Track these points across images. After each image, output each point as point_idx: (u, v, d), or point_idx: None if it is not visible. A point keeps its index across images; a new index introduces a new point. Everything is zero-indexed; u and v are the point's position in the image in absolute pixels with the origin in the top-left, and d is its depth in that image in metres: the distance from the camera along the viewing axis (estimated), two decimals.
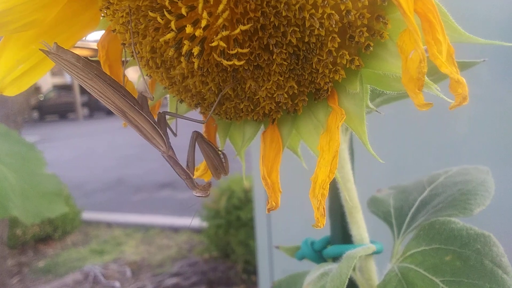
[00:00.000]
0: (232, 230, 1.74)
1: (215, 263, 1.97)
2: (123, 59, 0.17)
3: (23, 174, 0.41)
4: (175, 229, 2.49)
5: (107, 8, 0.14)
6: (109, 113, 11.90)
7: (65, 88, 12.50)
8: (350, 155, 0.24)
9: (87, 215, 2.67)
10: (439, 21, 0.12)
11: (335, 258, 0.24)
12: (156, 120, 0.15)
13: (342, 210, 0.23)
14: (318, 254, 0.26)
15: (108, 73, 0.17)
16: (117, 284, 1.93)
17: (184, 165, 0.15)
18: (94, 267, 2.05)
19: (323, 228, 0.29)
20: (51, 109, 12.28)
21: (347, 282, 0.18)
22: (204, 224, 1.88)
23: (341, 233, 0.24)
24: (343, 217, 0.23)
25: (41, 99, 12.04)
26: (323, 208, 0.14)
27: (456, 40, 0.13)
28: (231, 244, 1.77)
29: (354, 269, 0.23)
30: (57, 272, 2.07)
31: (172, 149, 0.15)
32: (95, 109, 11.67)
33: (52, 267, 2.12)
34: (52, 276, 2.04)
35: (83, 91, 11.18)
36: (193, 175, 0.16)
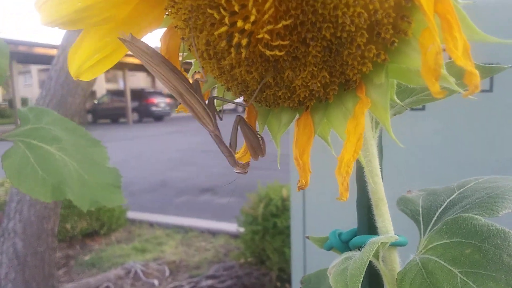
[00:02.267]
0: (268, 237, 1.75)
1: (250, 269, 1.99)
2: (181, 53, 0.20)
3: (84, 164, 0.45)
4: (213, 233, 2.54)
5: (172, 6, 0.17)
6: (157, 119, 12.43)
7: (118, 94, 13.13)
8: (379, 152, 0.26)
9: (131, 214, 2.79)
10: (456, 20, 0.13)
11: (360, 249, 0.26)
12: (206, 103, 0.17)
13: (369, 203, 0.25)
14: (345, 245, 0.27)
15: None
16: (156, 282, 1.99)
17: (227, 144, 0.18)
18: (135, 264, 2.13)
19: (350, 220, 0.30)
20: (104, 113, 12.96)
21: (368, 263, 0.20)
22: (241, 230, 1.91)
23: (367, 225, 0.26)
24: (370, 209, 0.25)
25: (95, 103, 12.73)
26: (347, 183, 0.16)
27: (472, 39, 0.15)
28: (267, 250, 1.78)
29: (377, 259, 0.24)
30: (101, 267, 2.17)
31: (218, 129, 0.17)
32: (144, 114, 12.19)
33: (96, 261, 2.22)
34: (96, 270, 2.14)
35: (134, 97, 11.72)
36: (235, 153, 0.18)
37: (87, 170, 0.47)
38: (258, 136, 0.19)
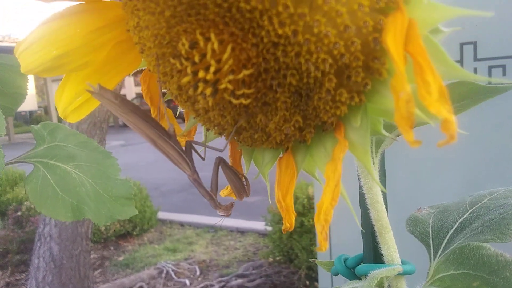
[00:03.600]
0: (296, 236, 1.74)
1: (279, 267, 1.99)
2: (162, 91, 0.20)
3: (98, 179, 0.45)
4: (242, 232, 2.55)
5: (142, 52, 0.16)
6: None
7: None
8: (382, 176, 0.25)
9: (162, 215, 2.85)
10: (428, 63, 0.12)
11: (367, 276, 0.25)
12: (184, 147, 0.17)
13: (373, 231, 0.24)
14: (351, 271, 0.26)
15: (150, 104, 0.20)
16: (187, 281, 2.03)
17: (208, 188, 0.17)
18: (167, 264, 2.17)
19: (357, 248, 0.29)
20: None
21: None
22: (269, 228, 1.91)
23: (373, 252, 0.25)
24: (374, 237, 0.24)
25: None
26: (326, 233, 0.15)
27: (451, 77, 0.13)
28: (295, 249, 1.77)
29: None
30: (134, 267, 2.22)
31: (196, 173, 0.17)
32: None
33: (130, 262, 2.28)
34: (129, 271, 2.20)
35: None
36: (216, 196, 0.18)
37: (101, 185, 0.47)
38: (241, 176, 0.18)
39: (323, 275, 1.21)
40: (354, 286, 0.22)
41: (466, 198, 0.27)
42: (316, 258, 1.69)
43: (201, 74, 0.14)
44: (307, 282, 1.81)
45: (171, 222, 2.84)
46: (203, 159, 0.18)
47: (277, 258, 1.97)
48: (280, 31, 0.12)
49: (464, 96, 0.20)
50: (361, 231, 0.26)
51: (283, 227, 0.17)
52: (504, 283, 0.19)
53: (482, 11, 0.12)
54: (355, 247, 0.29)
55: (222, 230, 2.60)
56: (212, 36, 0.13)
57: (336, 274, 0.27)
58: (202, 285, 1.97)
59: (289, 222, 0.17)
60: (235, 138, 0.17)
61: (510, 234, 0.22)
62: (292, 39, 0.12)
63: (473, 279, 0.20)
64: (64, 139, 0.49)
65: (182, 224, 2.82)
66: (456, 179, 0.81)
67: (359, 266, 0.25)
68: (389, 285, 0.24)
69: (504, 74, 0.82)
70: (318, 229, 0.15)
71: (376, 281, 0.20)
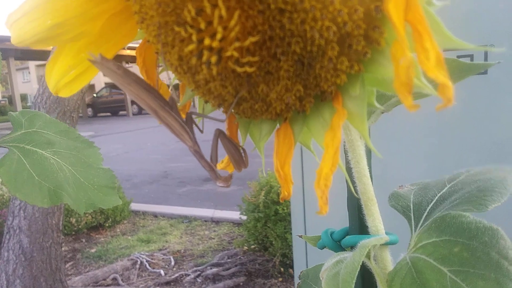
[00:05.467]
0: (270, 224, 1.77)
1: (254, 255, 2.01)
2: (158, 64, 0.20)
3: (78, 167, 0.45)
4: (217, 222, 2.56)
5: (142, 22, 0.16)
6: None
7: (117, 87, 13.05)
8: (368, 151, 0.26)
9: (135, 206, 2.81)
10: (427, 30, 0.13)
11: (353, 247, 0.26)
12: (184, 119, 0.17)
13: (359, 203, 0.25)
14: (337, 244, 0.27)
15: (145, 78, 0.20)
16: (162, 272, 2.02)
17: (208, 159, 0.18)
18: (141, 255, 2.15)
19: (340, 220, 0.30)
20: (103, 106, 12.97)
21: (359, 268, 0.20)
22: (244, 217, 1.93)
23: (358, 225, 0.26)
24: (360, 209, 0.25)
25: (95, 96, 12.71)
26: (326, 197, 0.15)
27: (447, 46, 0.14)
28: (269, 237, 1.80)
29: (369, 258, 0.24)
30: (107, 259, 2.19)
31: (197, 144, 0.17)
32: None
33: (102, 254, 2.25)
34: (102, 263, 2.17)
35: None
36: (216, 167, 0.18)
37: (82, 173, 0.46)
38: (240, 148, 0.18)
39: (298, 261, 1.24)
40: (344, 256, 0.23)
41: (445, 176, 0.29)
42: (290, 245, 1.72)
43: (206, 41, 0.14)
44: (282, 269, 1.84)
45: (144, 213, 2.81)
46: (201, 131, 0.18)
47: (252, 247, 1.99)
48: None
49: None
50: (347, 204, 0.27)
51: (281, 196, 0.18)
52: (483, 248, 0.20)
53: None
54: (330, 225, 0.30)
55: (196, 220, 2.60)
56: (220, 2, 0.13)
57: (323, 248, 0.28)
58: (177, 275, 1.97)
59: (287, 190, 0.18)
60: (233, 110, 0.17)
61: (486, 204, 0.24)
62: (299, 6, 0.13)
63: (454, 245, 0.21)
64: (43, 126, 0.48)
65: (155, 215, 2.79)
66: (424, 162, 0.84)
67: (346, 238, 0.26)
68: (374, 254, 0.25)
69: (485, 59, 0.85)
70: (318, 194, 0.16)
71: (366, 251, 0.21)
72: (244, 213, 1.90)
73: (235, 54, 0.14)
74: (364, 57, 0.14)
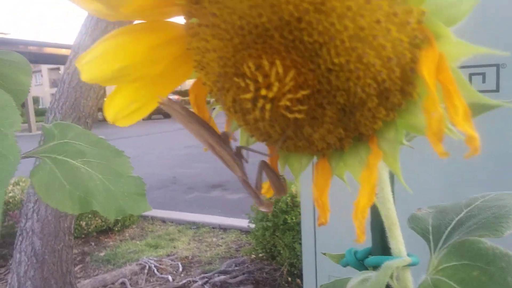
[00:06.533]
0: (279, 233, 1.78)
1: (261, 264, 2.02)
2: (208, 100, 0.22)
3: (108, 175, 0.47)
4: (224, 229, 2.58)
5: (201, 69, 0.19)
6: (166, 116, 12.58)
7: None
8: (390, 178, 0.28)
9: None
10: (455, 89, 0.15)
11: (375, 267, 0.28)
12: (234, 152, 0.19)
13: (382, 226, 0.27)
14: (360, 263, 0.29)
15: (196, 112, 0.22)
16: (169, 277, 2.04)
17: (253, 187, 0.20)
18: (149, 260, 2.17)
19: (347, 230, 0.32)
20: None
21: (384, 287, 0.22)
22: (252, 226, 1.94)
23: (381, 246, 0.28)
24: (383, 232, 0.27)
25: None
26: (363, 227, 0.18)
27: (471, 99, 0.16)
28: (277, 246, 1.81)
29: (392, 278, 0.26)
30: (116, 263, 2.22)
31: (246, 174, 0.19)
32: (153, 112, 12.28)
33: (111, 257, 2.27)
34: (111, 266, 2.19)
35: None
36: (260, 194, 0.20)
37: (111, 181, 0.49)
38: (280, 177, 0.21)
39: (307, 271, 1.25)
40: (369, 275, 0.25)
41: (461, 200, 0.31)
42: (298, 255, 1.73)
43: (263, 91, 0.16)
44: (289, 279, 1.85)
45: (153, 218, 2.84)
46: (246, 161, 0.20)
47: (260, 255, 2.00)
48: (336, 60, 0.15)
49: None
50: (371, 227, 0.29)
51: (318, 222, 0.20)
52: (500, 273, 0.22)
53: (500, 51, 0.15)
54: (338, 246, 0.32)
55: (204, 227, 2.62)
56: (278, 62, 0.15)
57: (345, 265, 0.30)
58: (184, 281, 1.99)
59: (324, 218, 0.20)
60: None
61: (502, 230, 0.25)
62: (345, 67, 0.15)
63: (473, 269, 0.23)
64: (75, 137, 0.50)
65: (164, 221, 2.82)
66: (439, 184, 0.86)
67: (369, 258, 0.28)
68: (397, 274, 0.27)
69: (483, 81, 0.87)
70: (356, 224, 0.18)
71: (391, 270, 0.22)
72: (252, 221, 1.92)
73: (287, 103, 0.16)
74: (399, 107, 0.17)
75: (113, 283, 2.03)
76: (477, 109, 0.25)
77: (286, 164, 0.22)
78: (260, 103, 0.17)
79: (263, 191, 0.22)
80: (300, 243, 1.27)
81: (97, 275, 2.12)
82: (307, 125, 0.18)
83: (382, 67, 0.15)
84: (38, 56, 9.87)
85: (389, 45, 0.15)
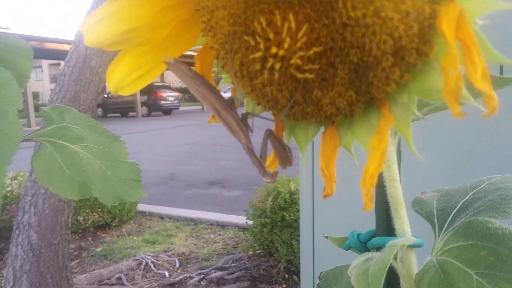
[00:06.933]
0: (276, 230, 1.78)
1: (258, 261, 2.02)
2: (214, 69, 0.21)
3: (105, 161, 0.46)
4: (222, 225, 2.57)
5: (209, 31, 0.18)
6: (165, 112, 12.52)
7: None
8: (398, 157, 0.27)
9: (142, 207, 2.83)
10: (475, 46, 0.14)
11: (378, 249, 0.27)
12: (240, 118, 0.19)
13: (387, 206, 0.26)
14: (364, 245, 0.29)
15: None
16: (166, 273, 2.03)
17: (258, 156, 0.19)
18: (146, 256, 2.17)
19: (367, 223, 0.32)
20: (114, 107, 13.11)
21: (388, 265, 0.21)
22: (250, 222, 1.94)
23: (386, 227, 0.27)
24: (388, 212, 0.26)
25: (106, 97, 12.83)
26: (371, 195, 0.17)
27: (491, 61, 0.16)
28: (275, 243, 1.80)
29: (395, 259, 0.26)
30: (113, 258, 2.21)
31: (250, 142, 0.19)
32: (153, 108, 12.35)
33: (108, 253, 2.26)
34: (107, 262, 2.18)
35: (143, 91, 11.80)
36: (265, 163, 0.20)
37: (109, 167, 0.48)
38: (286, 147, 0.20)
39: (304, 268, 1.24)
40: (373, 255, 0.24)
41: (466, 183, 0.30)
42: (296, 252, 1.73)
43: (273, 49, 0.16)
44: (286, 276, 1.85)
45: (151, 214, 2.83)
46: (251, 131, 0.20)
47: (257, 252, 1.99)
48: (352, 14, 0.14)
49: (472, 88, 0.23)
50: (375, 207, 0.28)
51: (323, 193, 0.19)
52: (509, 252, 0.21)
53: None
54: (338, 231, 0.32)
55: (202, 224, 2.61)
56: (290, 16, 0.15)
57: (348, 248, 0.30)
58: (181, 277, 1.98)
59: (330, 189, 0.19)
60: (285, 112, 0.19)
61: (509, 211, 0.25)
62: (361, 21, 0.15)
63: (481, 249, 0.22)
64: (73, 121, 0.50)
65: (161, 217, 2.81)
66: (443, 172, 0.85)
67: (373, 239, 0.28)
68: (400, 256, 0.26)
69: (500, 73, 0.87)
70: (364, 192, 0.17)
71: (396, 250, 0.22)
72: (250, 218, 1.92)
73: (298, 61, 0.16)
74: (414, 68, 0.16)
75: (109, 278, 2.02)
76: (496, 82, 0.24)
77: (291, 136, 0.21)
78: (270, 62, 0.16)
79: (268, 163, 0.22)
80: (298, 240, 1.27)
81: (93, 270, 2.11)
82: (317, 87, 0.17)
83: (399, 22, 0.15)
84: (38, 51, 9.85)
85: None
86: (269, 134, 0.19)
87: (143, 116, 12.39)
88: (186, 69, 0.18)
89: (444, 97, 0.15)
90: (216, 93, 0.18)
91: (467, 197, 0.29)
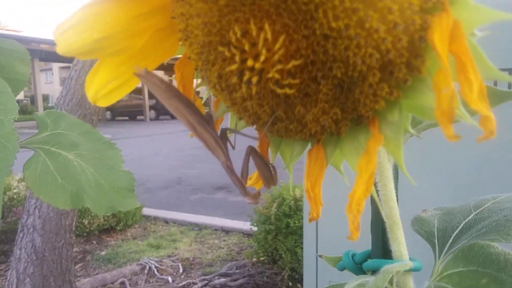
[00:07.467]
0: (281, 237, 1.75)
1: (262, 268, 2.00)
2: (195, 79, 0.20)
3: (99, 169, 0.45)
4: (227, 231, 2.55)
5: (185, 40, 0.17)
6: (173, 116, 12.50)
7: (136, 92, 13.37)
8: (395, 174, 0.25)
9: (147, 211, 2.83)
10: (471, 62, 0.13)
11: (374, 271, 0.26)
12: (218, 134, 0.17)
13: (383, 226, 0.24)
14: (358, 267, 0.27)
15: (182, 91, 0.20)
16: (169, 279, 2.01)
17: (239, 175, 0.18)
18: (150, 261, 2.16)
19: (365, 242, 0.30)
20: (122, 110, 13.24)
21: None
22: (254, 229, 1.92)
23: (381, 248, 0.26)
24: (384, 233, 0.24)
25: None
26: (358, 222, 0.15)
27: (490, 78, 0.14)
28: (279, 250, 1.78)
29: (391, 284, 0.24)
30: (117, 262, 2.20)
31: (229, 160, 0.17)
32: (161, 112, 12.44)
33: (112, 257, 2.26)
34: (111, 266, 2.18)
35: (151, 95, 11.91)
36: (246, 183, 0.18)
37: (103, 175, 0.47)
38: (270, 165, 0.19)
39: (308, 276, 1.22)
40: (366, 280, 0.22)
41: (470, 201, 0.29)
42: (300, 260, 1.70)
43: (249, 62, 0.14)
44: (290, 283, 1.82)
45: (156, 218, 2.83)
46: (233, 147, 0.18)
47: (261, 259, 1.97)
48: (333, 24, 0.13)
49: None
50: (371, 227, 0.26)
51: (309, 217, 0.18)
52: None
53: None
54: (341, 252, 0.30)
55: (206, 229, 2.60)
56: (266, 26, 0.13)
57: (342, 269, 0.28)
58: (184, 282, 1.97)
59: (316, 212, 0.18)
60: (267, 128, 0.18)
61: None
62: (344, 33, 0.13)
63: (482, 276, 0.21)
64: (68, 127, 0.49)
65: (166, 221, 2.80)
66: (446, 185, 0.83)
67: (368, 261, 0.26)
68: (397, 280, 0.24)
69: (509, 88, 0.85)
70: (350, 218, 0.15)
71: (390, 275, 0.20)
72: (255, 224, 1.90)
73: (276, 75, 0.14)
74: (404, 84, 0.15)
75: (112, 283, 2.01)
76: (495, 97, 0.23)
77: (277, 152, 0.20)
78: (247, 76, 0.15)
79: (251, 182, 0.20)
80: (302, 248, 1.25)
81: (97, 274, 2.10)
82: (299, 103, 0.16)
83: (386, 34, 0.13)
84: (49, 54, 9.98)
85: (396, 7, 0.13)
86: (251, 151, 0.18)
87: (151, 119, 12.49)
88: (158, 81, 0.16)
89: (436, 116, 0.13)
90: (192, 107, 0.17)
91: (470, 217, 0.27)
